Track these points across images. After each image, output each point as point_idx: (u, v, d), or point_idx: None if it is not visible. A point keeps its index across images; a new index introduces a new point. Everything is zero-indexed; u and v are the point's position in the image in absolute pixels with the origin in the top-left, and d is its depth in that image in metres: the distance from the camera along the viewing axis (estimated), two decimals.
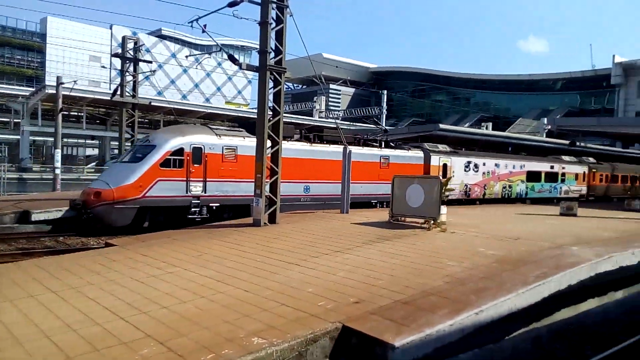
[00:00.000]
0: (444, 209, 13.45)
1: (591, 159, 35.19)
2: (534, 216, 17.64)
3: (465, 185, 25.58)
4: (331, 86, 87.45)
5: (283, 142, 17.35)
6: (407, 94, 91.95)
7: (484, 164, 26.51)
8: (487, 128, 51.02)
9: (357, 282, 7.46)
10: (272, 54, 13.68)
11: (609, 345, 7.32)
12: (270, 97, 13.84)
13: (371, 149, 21.70)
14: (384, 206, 20.49)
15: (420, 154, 23.66)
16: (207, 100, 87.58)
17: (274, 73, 13.71)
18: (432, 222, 12.92)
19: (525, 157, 30.29)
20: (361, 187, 20.42)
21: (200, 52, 53.51)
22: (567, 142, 34.94)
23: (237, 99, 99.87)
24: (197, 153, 15.80)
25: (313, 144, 19.53)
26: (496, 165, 27.23)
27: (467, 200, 25.46)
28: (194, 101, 66.46)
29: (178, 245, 10.64)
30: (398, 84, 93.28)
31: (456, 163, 25.04)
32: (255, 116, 13.96)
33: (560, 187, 31.37)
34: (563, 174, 31.58)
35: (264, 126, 13.42)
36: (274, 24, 13.56)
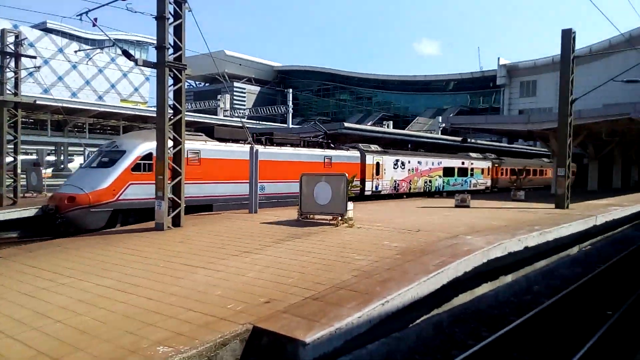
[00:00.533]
0: (350, 205, 13.79)
1: (493, 155, 38.82)
2: (433, 209, 18.71)
3: (395, 181, 27.78)
4: (235, 84, 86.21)
5: (232, 143, 19.23)
6: (312, 93, 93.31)
7: (409, 162, 28.92)
8: (388, 126, 53.32)
9: (267, 281, 7.39)
10: (171, 50, 13.11)
11: (501, 325, 7.94)
12: (171, 95, 13.25)
13: (316, 150, 23.09)
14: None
15: (357, 153, 25.30)
16: (101, 98, 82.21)
17: (174, 70, 13.16)
18: (340, 218, 13.19)
19: (441, 155, 32.86)
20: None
21: (91, 47, 50.13)
22: (459, 138, 37.51)
23: (134, 96, 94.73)
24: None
25: (266, 147, 20.43)
26: (419, 162, 29.80)
27: (396, 194, 27.62)
28: (86, 99, 61.97)
29: (71, 254, 9.84)
30: (303, 83, 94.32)
31: (387, 161, 27.10)
32: (155, 115, 13.29)
33: (470, 181, 34.50)
34: (472, 169, 34.71)
35: (164, 125, 12.84)
36: (171, 19, 12.99)
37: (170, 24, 12.97)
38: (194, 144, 17.22)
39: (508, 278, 10.82)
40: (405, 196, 28.13)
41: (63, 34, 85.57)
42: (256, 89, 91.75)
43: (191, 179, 16.19)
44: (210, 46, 14.11)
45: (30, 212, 17.49)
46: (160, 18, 12.69)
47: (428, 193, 30.37)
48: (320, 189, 13.54)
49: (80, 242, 11.39)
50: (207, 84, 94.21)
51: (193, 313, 6.00)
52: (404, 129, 57.81)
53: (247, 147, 18.30)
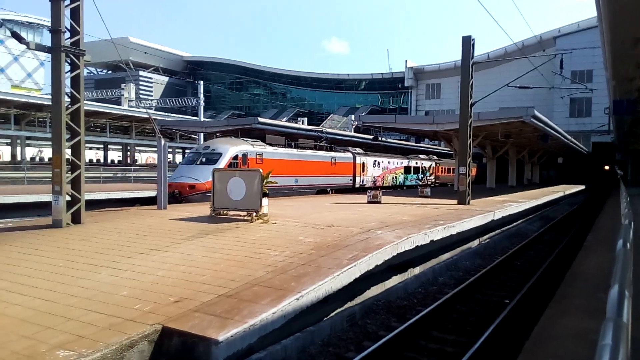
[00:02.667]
0: (265, 201, 13.67)
1: (435, 157, 46.45)
2: (347, 205, 19.12)
3: (373, 177, 34.66)
4: (141, 73, 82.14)
5: (278, 147, 26.31)
6: (225, 86, 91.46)
7: (382, 162, 35.96)
8: (302, 122, 53.70)
9: (177, 280, 7.10)
10: (68, 34, 12.11)
11: (410, 316, 8.31)
12: (67, 82, 12.24)
13: (326, 152, 30.26)
14: (332, 192, 29.29)
15: (350, 155, 32.40)
16: None
17: (71, 55, 12.15)
18: (255, 214, 13.04)
19: (402, 157, 40.30)
20: (322, 178, 29.14)
21: None
22: (371, 136, 38.67)
23: (27, 82, 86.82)
24: (244, 158, 23.39)
25: (299, 149, 27.77)
26: (389, 162, 36.96)
27: (374, 187, 32.90)
28: None
29: None
30: (215, 75, 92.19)
31: (369, 161, 34.09)
32: (51, 103, 12.22)
33: (421, 177, 42.36)
34: (422, 168, 42.83)
35: (61, 115, 11.85)
36: (68, 1, 12.01)
37: (67, 5, 11.98)
38: (257, 148, 24.59)
39: (416, 270, 11.35)
40: (379, 189, 32.17)
41: None
42: (164, 79, 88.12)
43: None
44: (113, 32, 13.28)
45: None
46: None
47: (394, 186, 37.09)
48: (234, 185, 13.27)
49: None
50: (109, 72, 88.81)
51: (97, 315, 5.61)
52: (318, 125, 58.56)
53: (290, 150, 26.75)
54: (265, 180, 14.25)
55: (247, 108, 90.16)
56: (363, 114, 61.66)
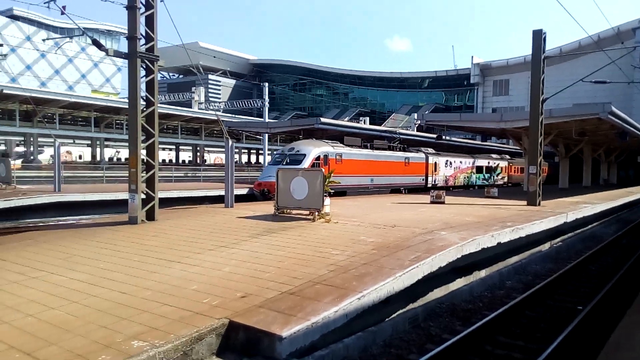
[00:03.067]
0: (327, 201, 13.81)
1: (507, 156, 45.39)
2: (408, 205, 18.88)
3: (445, 176, 35.05)
4: (210, 77, 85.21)
5: (355, 148, 27.44)
6: (289, 88, 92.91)
7: (454, 161, 36.41)
8: (364, 122, 53.54)
9: (243, 276, 7.34)
10: (143, 41, 12.82)
11: (475, 320, 8.08)
12: (143, 86, 12.97)
13: (400, 153, 31.15)
14: (405, 192, 29.85)
15: (422, 155, 33.03)
16: (71, 88, 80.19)
17: (146, 61, 12.88)
18: (317, 213, 13.19)
19: (474, 156, 40.11)
20: (395, 178, 30.06)
21: (60, 36, 48.68)
22: (434, 135, 37.89)
23: (106, 87, 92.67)
24: (325, 158, 24.74)
25: (374, 150, 28.87)
26: (460, 162, 37.26)
27: (445, 187, 33.64)
28: (55, 89, 60.29)
29: (42, 247, 9.58)
30: (279, 77, 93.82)
31: (441, 161, 34.61)
32: (128, 106, 13.01)
33: (493, 176, 41.69)
34: (494, 167, 42.09)
35: (137, 117, 12.57)
36: (143, 9, 12.71)
37: (142, 13, 12.69)
38: (337, 149, 25.79)
39: (482, 273, 11.01)
40: (451, 189, 34.53)
41: (30, 22, 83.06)
42: (231, 82, 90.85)
43: (336, 173, 22.31)
44: (184, 37, 13.96)
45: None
46: (131, 7, 12.41)
47: (465, 186, 37.21)
48: (296, 184, 13.49)
49: (52, 236, 11.10)
50: (181, 76, 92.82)
51: (168, 307, 5.92)
52: (380, 125, 58.14)
53: (367, 151, 27.90)
54: (327, 180, 14.38)
55: (309, 109, 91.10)
56: (426, 112, 60.53)
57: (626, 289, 10.00)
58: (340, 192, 24.96)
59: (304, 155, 24.04)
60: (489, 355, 6.88)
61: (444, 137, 37.34)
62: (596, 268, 13.09)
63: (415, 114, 54.91)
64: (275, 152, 30.96)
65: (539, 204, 19.01)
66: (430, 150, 34.67)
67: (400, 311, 7.80)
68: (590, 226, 20.17)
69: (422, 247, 9.26)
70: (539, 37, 19.01)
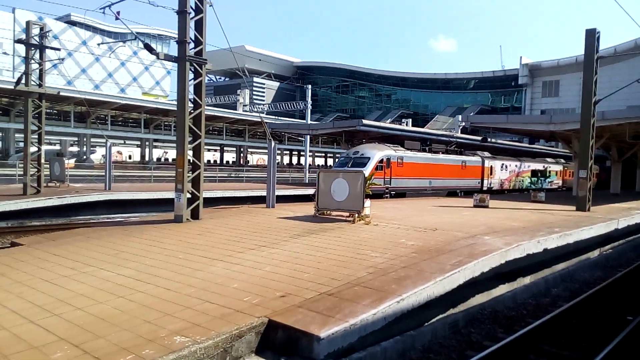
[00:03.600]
0: (367, 202, 13.77)
1: (562, 160, 45.02)
2: (451, 208, 18.56)
3: (500, 179, 35.56)
4: (255, 79, 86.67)
5: (415, 151, 28.46)
6: (331, 89, 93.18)
7: (509, 165, 36.72)
8: (407, 124, 53.00)
9: (283, 276, 7.44)
10: (192, 45, 13.21)
11: (518, 327, 7.87)
12: (191, 89, 13.37)
13: (457, 156, 31.79)
14: (461, 195, 30.45)
15: (479, 159, 33.63)
16: (122, 90, 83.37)
17: (194, 64, 13.26)
18: (357, 215, 13.18)
19: (529, 160, 40.50)
20: (452, 181, 30.79)
21: (113, 40, 50.78)
22: (479, 138, 37.09)
23: (155, 90, 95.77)
24: (387, 161, 25.90)
25: (432, 154, 29.75)
26: (516, 165, 37.53)
27: (500, 190, 34.77)
28: (108, 91, 62.90)
29: (93, 243, 10.04)
30: (322, 79, 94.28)
31: (496, 165, 35.07)
32: (176, 108, 13.43)
33: (548, 180, 41.57)
34: (549, 172, 41.97)
35: (184, 119, 12.96)
36: (193, 14, 13.10)
37: (192, 18, 13.07)
38: (398, 152, 26.77)
39: (526, 280, 10.70)
40: (505, 192, 35.16)
41: (86, 27, 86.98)
42: (275, 84, 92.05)
43: (397, 176, 26.20)
44: (230, 41, 14.31)
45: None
46: (181, 12, 12.81)
47: (520, 189, 37.42)
48: (337, 186, 13.53)
49: (102, 232, 11.61)
50: (227, 79, 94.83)
51: (210, 304, 6.08)
52: (423, 127, 57.36)
53: (426, 154, 29.04)
54: (368, 182, 14.34)
55: (351, 110, 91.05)
56: (471, 114, 59.20)
57: None
58: (400, 194, 26.59)
59: (369, 158, 25.25)
60: None
61: (489, 139, 36.58)
62: None
63: (460, 116, 53.86)
64: (340, 155, 32.16)
65: (589, 210, 18.27)
66: (487, 154, 35.31)
67: (440, 316, 7.69)
68: None
69: (465, 252, 9.10)
70: (592, 37, 18.31)
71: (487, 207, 18.98)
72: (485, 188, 33.15)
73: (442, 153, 30.91)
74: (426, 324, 7.24)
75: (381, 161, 25.47)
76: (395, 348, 6.27)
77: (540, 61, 68.22)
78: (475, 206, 19.23)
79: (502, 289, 9.70)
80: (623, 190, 33.38)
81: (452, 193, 30.46)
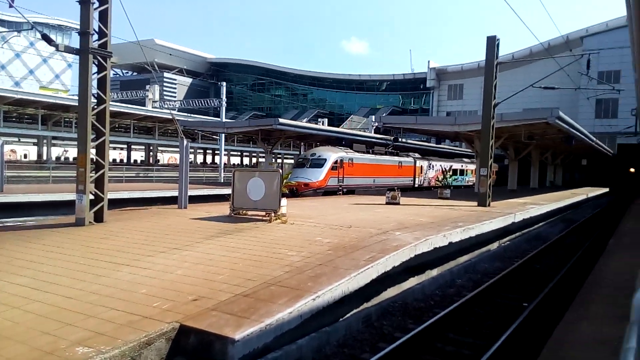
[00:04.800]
0: (284, 202, 13.76)
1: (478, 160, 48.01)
2: (365, 205, 19.09)
3: (428, 178, 39.46)
4: (165, 75, 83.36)
5: (362, 153, 31.72)
6: (247, 87, 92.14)
7: (435, 165, 40.74)
8: (323, 123, 53.78)
9: (196, 278, 7.20)
10: (96, 36, 12.39)
11: (426, 318, 8.25)
12: (94, 83, 12.53)
13: (394, 157, 35.44)
14: (397, 190, 33.43)
15: (412, 159, 37.39)
16: (17, 84, 76.40)
17: (98, 57, 12.42)
18: (273, 214, 13.12)
19: (450, 160, 45.27)
20: (391, 179, 33.97)
21: (7, 30, 46.43)
22: (391, 137, 38.55)
23: (55, 84, 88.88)
24: (341, 162, 28.71)
25: (376, 155, 33.04)
26: (440, 165, 41.71)
27: (428, 187, 38.57)
28: (1, 85, 57.40)
29: None
30: (237, 76, 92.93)
31: (425, 165, 38.97)
32: (78, 103, 12.51)
33: (465, 178, 46.35)
34: (466, 170, 46.75)
35: (87, 115, 12.11)
36: (97, 4, 12.26)
37: (96, 8, 12.25)
38: (349, 154, 29.76)
39: (434, 272, 11.26)
40: (432, 188, 38.31)
41: None
42: (188, 80, 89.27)
43: (349, 175, 29.27)
44: (139, 34, 13.57)
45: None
46: (84, 2, 11.95)
47: (444, 186, 39.61)
48: (253, 185, 13.37)
49: None
50: (134, 73, 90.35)
51: (116, 312, 5.73)
52: (339, 126, 58.52)
53: (371, 156, 32.32)
54: (284, 181, 14.34)
55: (268, 109, 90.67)
56: (384, 115, 61.41)
57: (569, 286, 10.46)
58: (350, 191, 29.71)
59: (325, 159, 27.95)
60: (440, 352, 7.04)
61: (400, 139, 38.21)
62: (541, 266, 13.63)
63: (373, 116, 55.63)
64: (298, 157, 34.85)
65: (489, 205, 19.65)
66: (417, 155, 39.30)
67: (355, 311, 7.86)
68: (536, 226, 21.00)
69: (377, 248, 9.38)
70: (492, 43, 19.65)
71: (398, 204, 19.75)
72: (416, 185, 37.16)
73: (383, 155, 34.23)
74: (341, 319, 7.36)
75: (336, 162, 28.24)
76: (310, 345, 6.31)
77: (446, 65, 72.26)
78: (387, 203, 19.94)
79: (411, 282, 10.14)
80: (519, 186, 36.29)
81: (391, 190, 32.32)
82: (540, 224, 21.85)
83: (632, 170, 64.81)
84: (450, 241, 11.48)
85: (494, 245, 15.62)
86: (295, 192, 26.44)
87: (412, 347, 6.80)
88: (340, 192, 28.85)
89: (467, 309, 8.82)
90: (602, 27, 56.52)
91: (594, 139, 37.01)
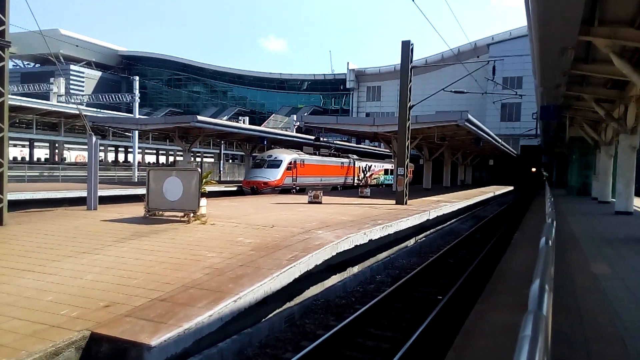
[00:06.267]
0: (203, 202, 13.38)
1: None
2: (288, 205, 19.08)
3: (365, 177, 43.08)
4: (72, 67, 78.01)
5: (311, 155, 34.76)
6: (163, 83, 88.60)
7: (370, 165, 44.74)
8: (244, 122, 53.06)
9: (107, 284, 6.79)
10: None
11: (348, 314, 8.40)
12: None
13: (338, 159, 38.93)
14: (340, 189, 37.31)
15: (351, 160, 40.76)
16: None
17: None
18: (192, 215, 12.71)
19: (383, 161, 48.95)
20: (335, 178, 37.75)
21: None
22: (313, 137, 38.90)
23: None
24: (294, 163, 31.50)
25: (322, 156, 36.27)
26: (375, 166, 45.72)
27: (365, 185, 40.11)
28: None
29: None
30: (152, 71, 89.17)
31: (362, 165, 42.91)
32: None
33: (392, 178, 46.66)
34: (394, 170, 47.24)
35: None
36: None
37: None
38: (302, 156, 33.02)
39: (354, 269, 11.51)
40: (368, 187, 38.66)
41: None
42: (97, 73, 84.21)
43: (301, 175, 32.14)
44: (42, 24, 12.55)
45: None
46: None
47: (377, 185, 45.27)
48: (170, 185, 12.87)
49: None
50: (37, 65, 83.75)
51: (18, 321, 5.26)
52: (260, 125, 58.08)
53: (319, 157, 35.60)
54: (204, 180, 13.97)
55: (185, 106, 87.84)
56: (305, 114, 61.84)
57: (479, 278, 11.14)
58: (302, 189, 31.13)
59: (281, 160, 30.67)
60: (361, 348, 7.20)
61: (321, 138, 38.68)
62: (454, 260, 14.42)
63: (295, 116, 55.82)
64: (255, 157, 36.06)
65: (406, 203, 20.44)
66: (355, 156, 42.95)
67: (278, 311, 7.83)
68: (449, 223, 22.17)
69: (300, 247, 9.40)
70: (407, 48, 20.40)
71: (320, 203, 19.96)
72: (355, 183, 40.67)
73: (328, 156, 37.42)
74: (263, 319, 7.30)
75: (290, 163, 31.04)
76: (231, 348, 6.19)
77: (365, 68, 74.17)
78: (310, 202, 20.07)
79: (333, 279, 10.29)
80: (434, 185, 38.14)
81: (334, 188, 37.17)
82: (453, 220, 23.09)
83: (533, 169, 70.61)
84: (370, 238, 11.79)
85: (411, 242, 16.27)
86: (255, 190, 28.83)
87: (333, 344, 6.89)
88: (294, 190, 31.19)
89: (386, 304, 9.10)
90: (506, 35, 60.71)
91: (500, 140, 39.83)
